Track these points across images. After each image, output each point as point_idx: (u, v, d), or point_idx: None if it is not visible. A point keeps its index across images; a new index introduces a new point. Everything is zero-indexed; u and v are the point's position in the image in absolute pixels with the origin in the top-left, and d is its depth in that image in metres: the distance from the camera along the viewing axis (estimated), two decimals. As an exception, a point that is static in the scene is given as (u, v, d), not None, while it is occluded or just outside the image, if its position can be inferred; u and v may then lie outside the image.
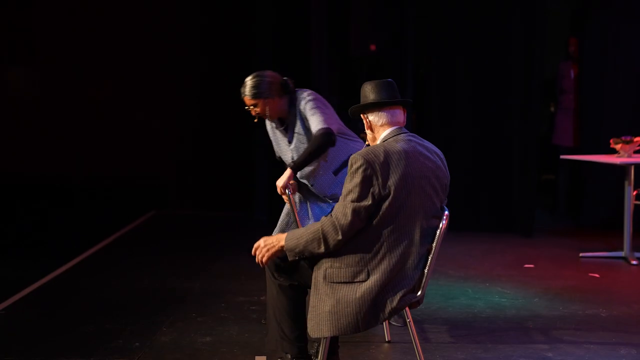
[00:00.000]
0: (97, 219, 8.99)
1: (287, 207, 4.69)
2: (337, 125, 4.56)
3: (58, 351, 4.43)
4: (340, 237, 3.48)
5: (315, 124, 4.42)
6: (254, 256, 3.66)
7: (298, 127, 4.54)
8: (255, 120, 4.62)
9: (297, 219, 4.58)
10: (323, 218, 3.55)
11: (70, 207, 9.51)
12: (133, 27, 9.57)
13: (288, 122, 4.58)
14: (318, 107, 4.47)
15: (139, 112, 9.62)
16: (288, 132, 4.59)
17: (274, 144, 4.75)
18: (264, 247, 3.63)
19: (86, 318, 5.06)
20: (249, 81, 4.52)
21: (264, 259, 3.63)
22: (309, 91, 4.58)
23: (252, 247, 3.68)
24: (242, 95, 4.53)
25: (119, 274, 6.35)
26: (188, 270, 6.44)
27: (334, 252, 3.54)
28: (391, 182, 3.47)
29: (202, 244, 7.61)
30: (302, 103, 4.50)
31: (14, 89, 9.86)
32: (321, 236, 3.50)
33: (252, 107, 4.54)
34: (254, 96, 4.49)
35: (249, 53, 8.87)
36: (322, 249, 3.52)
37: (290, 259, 3.62)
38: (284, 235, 3.61)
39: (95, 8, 9.65)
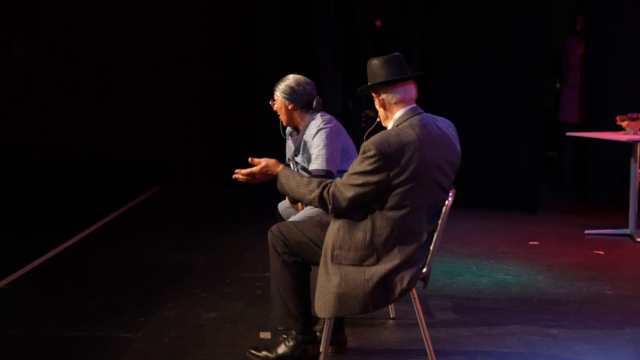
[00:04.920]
0: (101, 194, 9.00)
1: None
2: (336, 165, 4.34)
3: (62, 326, 4.44)
4: (329, 212, 3.59)
5: (317, 162, 4.27)
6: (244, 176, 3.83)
7: (303, 147, 4.44)
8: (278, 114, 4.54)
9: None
10: (324, 185, 3.56)
11: (75, 182, 9.51)
12: (140, 1, 9.52)
13: (300, 134, 4.46)
14: (325, 144, 4.27)
15: (144, 87, 9.58)
16: (296, 142, 4.50)
17: (287, 144, 4.68)
18: (264, 169, 3.77)
19: (91, 293, 5.07)
20: (286, 82, 4.40)
21: (257, 178, 3.81)
22: (328, 117, 4.38)
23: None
24: (274, 89, 4.45)
25: (123, 249, 6.36)
26: (192, 245, 6.45)
27: (343, 235, 3.53)
28: (404, 172, 3.44)
29: (207, 220, 7.61)
30: (313, 129, 4.33)
31: (18, 62, 9.82)
32: (314, 200, 3.57)
33: (273, 102, 4.46)
34: (283, 97, 4.40)
35: (255, 29, 8.81)
36: (310, 206, 3.80)
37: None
38: (280, 170, 3.73)
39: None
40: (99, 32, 9.53)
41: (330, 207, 3.53)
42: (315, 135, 4.30)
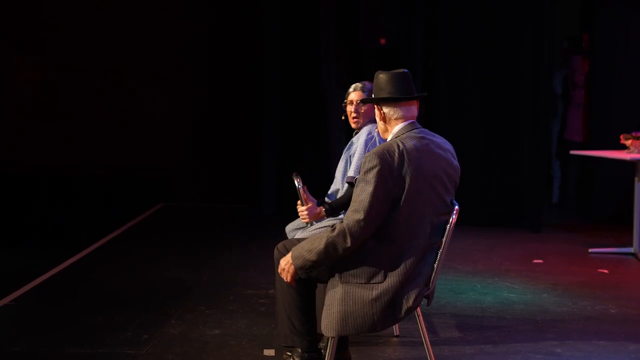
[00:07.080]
0: (105, 211, 9.01)
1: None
2: None
3: (67, 342, 4.44)
4: (348, 245, 3.41)
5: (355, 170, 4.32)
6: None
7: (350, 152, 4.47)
8: (343, 118, 4.59)
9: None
10: (332, 226, 3.46)
11: (79, 199, 9.53)
12: (142, 18, 9.57)
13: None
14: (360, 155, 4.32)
15: (147, 104, 9.63)
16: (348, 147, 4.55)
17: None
18: (283, 270, 3.56)
19: (95, 309, 5.07)
20: (370, 83, 4.42)
21: (289, 281, 3.57)
22: (373, 126, 4.42)
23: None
24: (356, 90, 4.48)
25: (127, 266, 6.36)
26: (196, 262, 6.45)
27: (351, 253, 3.50)
28: (405, 182, 3.44)
29: (210, 237, 7.62)
30: (363, 137, 4.37)
31: (22, 80, 9.87)
32: (328, 244, 3.41)
33: (359, 104, 4.49)
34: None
35: (258, 46, 8.86)
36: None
37: (303, 276, 3.55)
38: (290, 254, 3.52)
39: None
40: (101, 49, 9.58)
41: (349, 239, 3.39)
42: (362, 145, 4.35)
